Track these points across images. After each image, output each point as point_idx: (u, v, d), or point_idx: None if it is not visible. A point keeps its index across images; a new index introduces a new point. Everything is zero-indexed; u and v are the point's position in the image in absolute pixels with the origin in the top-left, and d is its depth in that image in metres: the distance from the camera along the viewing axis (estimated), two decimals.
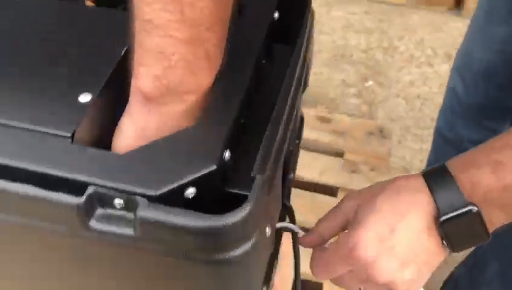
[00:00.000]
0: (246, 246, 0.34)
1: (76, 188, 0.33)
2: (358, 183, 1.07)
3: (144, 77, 0.37)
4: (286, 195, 0.60)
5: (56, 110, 0.37)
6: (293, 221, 0.55)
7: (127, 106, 0.40)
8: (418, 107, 1.64)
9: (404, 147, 1.52)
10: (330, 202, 1.04)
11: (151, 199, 0.33)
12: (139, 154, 0.36)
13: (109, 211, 0.34)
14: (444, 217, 0.44)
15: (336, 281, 0.51)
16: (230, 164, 0.37)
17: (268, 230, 0.38)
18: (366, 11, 1.95)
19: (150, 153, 0.35)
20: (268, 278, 0.48)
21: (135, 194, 0.33)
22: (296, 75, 0.44)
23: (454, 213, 0.44)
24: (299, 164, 1.01)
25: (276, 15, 0.48)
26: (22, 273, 0.40)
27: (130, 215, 0.33)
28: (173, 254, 0.34)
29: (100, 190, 0.33)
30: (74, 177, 0.34)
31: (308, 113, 1.20)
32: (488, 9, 0.92)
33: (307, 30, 0.48)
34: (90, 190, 0.33)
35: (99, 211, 0.34)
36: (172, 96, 0.38)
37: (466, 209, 0.44)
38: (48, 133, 0.36)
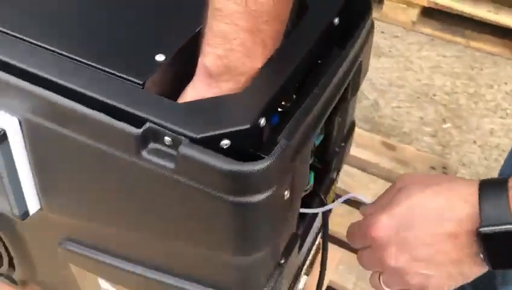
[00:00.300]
0: (261, 196, 0.40)
1: (138, 122, 0.42)
2: None
3: (209, 55, 0.45)
4: (324, 190, 0.66)
5: (136, 62, 0.46)
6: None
7: (193, 78, 0.48)
8: (494, 157, 1.60)
9: None
10: None
11: (193, 140, 0.40)
12: (192, 106, 0.43)
13: (159, 146, 0.42)
14: (485, 229, 0.43)
15: (359, 258, 0.55)
16: (265, 131, 0.44)
17: (286, 193, 0.44)
18: (458, 56, 1.94)
19: (201, 107, 0.43)
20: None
21: (181, 134, 0.41)
22: (343, 69, 0.50)
23: (497, 228, 0.43)
24: (356, 183, 1.06)
25: (336, 20, 0.55)
26: (83, 187, 0.49)
27: (174, 151, 0.41)
28: (202, 189, 0.41)
29: (155, 127, 0.41)
30: (137, 113, 0.42)
31: (374, 138, 1.24)
32: None
33: (363, 35, 0.54)
34: (147, 125, 0.41)
35: (152, 145, 0.42)
36: (228, 75, 0.45)
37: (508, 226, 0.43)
38: (125, 78, 0.45)
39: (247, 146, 0.42)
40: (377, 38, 2.07)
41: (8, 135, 0.46)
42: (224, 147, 0.41)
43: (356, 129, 0.73)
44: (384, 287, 0.53)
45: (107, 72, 0.45)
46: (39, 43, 0.47)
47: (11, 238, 0.65)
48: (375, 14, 2.09)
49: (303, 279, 0.80)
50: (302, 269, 0.73)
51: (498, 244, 0.43)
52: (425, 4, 2.00)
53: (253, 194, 0.40)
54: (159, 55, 0.47)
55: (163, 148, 0.42)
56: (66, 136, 0.45)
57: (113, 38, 0.50)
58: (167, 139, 0.41)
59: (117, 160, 0.43)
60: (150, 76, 0.45)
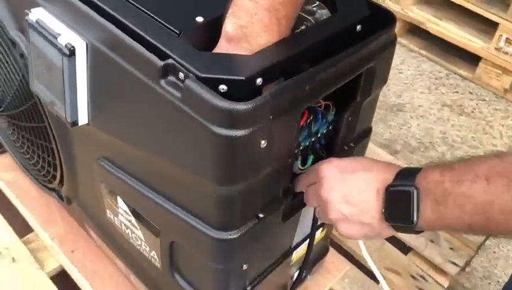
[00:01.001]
0: (239, 132, 0.50)
1: (164, 57, 0.54)
2: (430, 252, 1.11)
3: (233, 24, 0.56)
4: None
5: (180, 17, 0.59)
6: None
7: (218, 42, 0.59)
8: None
9: None
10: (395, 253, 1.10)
11: (198, 78, 0.52)
12: (207, 54, 0.55)
13: (174, 79, 0.53)
14: (391, 188, 0.56)
15: (305, 195, 0.66)
16: (259, 89, 0.54)
17: (263, 142, 0.53)
18: None
19: (213, 57, 0.55)
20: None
21: (191, 72, 0.52)
22: (346, 63, 0.59)
23: (399, 188, 0.56)
24: None
25: (358, 27, 0.64)
26: (119, 107, 0.62)
27: (182, 84, 0.52)
28: (197, 119, 0.51)
29: (173, 63, 0.53)
30: (164, 49, 0.54)
31: None
32: None
33: (379, 42, 0.62)
34: (168, 60, 0.53)
35: (170, 77, 0.54)
36: (246, 43, 0.56)
37: (408, 188, 0.55)
38: (168, 27, 0.58)
39: (241, 97, 0.53)
40: (463, 98, 2.08)
41: (76, 52, 0.60)
42: (222, 91, 0.52)
43: None
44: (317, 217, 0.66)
45: (157, 20, 0.58)
46: None
47: (64, 151, 0.80)
48: (468, 74, 2.11)
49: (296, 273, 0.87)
50: (293, 251, 0.80)
51: (394, 200, 0.56)
52: None
53: (232, 129, 0.50)
54: (199, 17, 0.59)
55: (177, 81, 0.53)
56: (114, 61, 0.58)
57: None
58: (181, 74, 0.53)
59: (143, 85, 0.55)
60: (186, 29, 0.57)
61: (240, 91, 0.52)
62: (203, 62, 0.53)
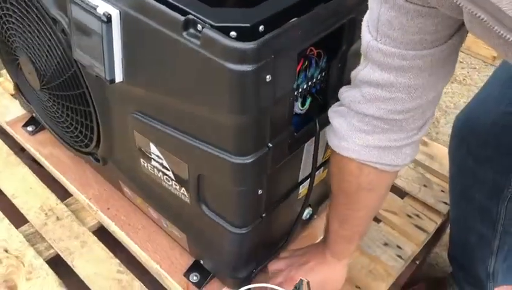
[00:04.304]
0: (247, 67, 0.64)
1: (184, 13, 0.68)
2: (423, 195, 1.25)
3: None
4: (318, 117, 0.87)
5: None
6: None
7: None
8: None
9: None
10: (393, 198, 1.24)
11: (213, 27, 0.66)
12: (218, 9, 0.69)
13: (193, 31, 0.67)
14: None
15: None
16: (262, 34, 0.67)
17: (268, 77, 0.67)
18: None
19: (223, 10, 0.69)
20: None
21: (207, 23, 0.66)
22: (328, 11, 0.72)
23: None
24: None
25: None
26: (149, 61, 0.76)
27: (200, 34, 0.66)
28: (213, 59, 0.65)
29: (192, 17, 0.67)
30: (184, 8, 0.68)
31: None
32: None
33: None
34: (189, 16, 0.67)
35: (190, 30, 0.68)
36: None
37: None
38: None
39: (248, 41, 0.66)
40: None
41: (112, 18, 0.75)
42: (232, 37, 0.66)
43: None
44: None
45: None
46: None
47: (101, 112, 0.95)
48: None
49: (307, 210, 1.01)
50: (299, 185, 0.94)
51: None
52: None
53: (243, 64, 0.64)
54: None
55: (196, 32, 0.67)
56: (143, 22, 0.72)
57: None
58: (199, 26, 0.67)
59: (168, 39, 0.69)
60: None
61: (246, 36, 0.66)
62: (215, 15, 0.67)
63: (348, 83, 0.79)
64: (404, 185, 1.28)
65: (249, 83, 0.66)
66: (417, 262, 1.25)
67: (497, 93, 1.03)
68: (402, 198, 1.27)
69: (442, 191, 1.27)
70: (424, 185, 1.28)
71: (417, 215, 1.21)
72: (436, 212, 1.23)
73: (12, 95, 1.43)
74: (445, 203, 1.24)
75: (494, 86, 1.06)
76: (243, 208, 0.84)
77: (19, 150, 1.34)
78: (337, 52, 0.82)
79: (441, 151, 1.36)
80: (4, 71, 1.54)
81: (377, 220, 1.21)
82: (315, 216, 1.11)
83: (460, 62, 2.21)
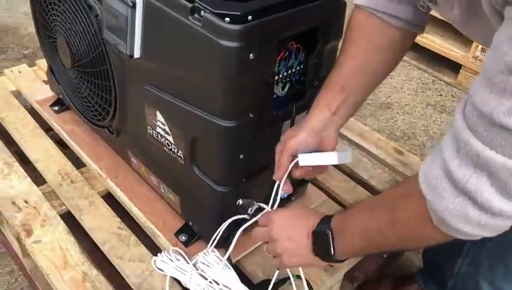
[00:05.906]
0: (235, 44, 0.83)
1: (191, 1, 0.87)
2: None
3: None
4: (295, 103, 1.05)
5: None
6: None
7: None
8: None
9: None
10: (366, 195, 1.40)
11: (211, 13, 0.85)
12: (220, 0, 0.88)
13: (198, 16, 0.87)
14: (316, 230, 0.85)
15: (254, 234, 0.96)
16: (249, 22, 0.86)
17: (251, 56, 0.86)
18: None
19: (224, 2, 0.88)
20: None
21: (208, 10, 0.86)
22: (304, 11, 0.92)
23: (320, 231, 0.84)
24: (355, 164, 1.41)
25: None
26: (160, 39, 0.96)
27: (202, 18, 0.86)
28: (210, 37, 0.84)
29: (197, 5, 0.86)
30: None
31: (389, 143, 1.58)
32: None
33: (327, 4, 0.96)
34: (195, 3, 0.87)
35: (196, 15, 0.87)
36: None
37: (325, 230, 0.83)
38: None
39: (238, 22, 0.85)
40: (445, 99, 2.38)
41: (136, 4, 0.95)
42: (226, 22, 0.85)
43: None
44: (266, 253, 0.94)
45: None
46: None
47: (119, 84, 1.14)
48: (451, 80, 2.42)
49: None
50: None
51: (317, 240, 0.84)
52: None
53: (232, 41, 0.83)
54: None
55: (199, 16, 0.87)
56: (160, 8, 0.92)
57: None
58: (202, 12, 0.86)
59: (178, 21, 0.89)
60: None
61: (237, 22, 0.85)
62: (215, 4, 0.87)
63: (324, 78, 0.98)
64: (379, 186, 1.44)
65: (235, 55, 0.85)
66: (384, 255, 1.38)
67: None
68: None
69: None
70: None
71: None
72: None
73: (43, 81, 1.65)
74: None
75: None
76: (226, 168, 1.01)
77: (45, 130, 1.54)
78: (314, 49, 1.01)
79: (415, 160, 1.53)
80: (38, 61, 1.77)
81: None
82: (293, 198, 1.27)
83: (452, 96, 2.39)
